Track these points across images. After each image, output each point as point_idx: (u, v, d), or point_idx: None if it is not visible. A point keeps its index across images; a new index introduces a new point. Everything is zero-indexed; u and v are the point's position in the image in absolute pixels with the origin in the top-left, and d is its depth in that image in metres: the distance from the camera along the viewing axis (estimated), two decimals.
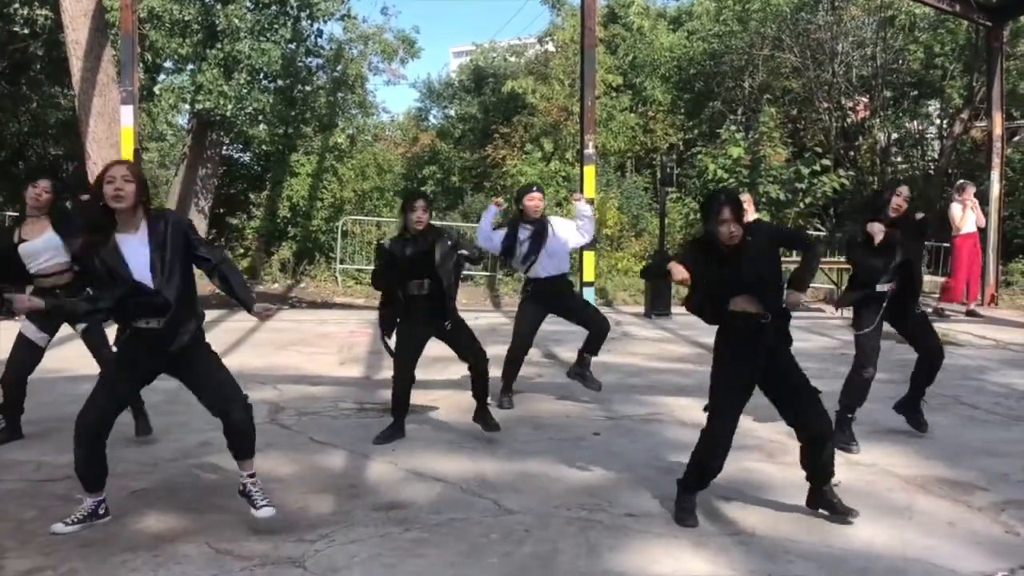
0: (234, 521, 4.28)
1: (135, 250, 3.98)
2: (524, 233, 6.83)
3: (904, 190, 5.80)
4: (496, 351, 7.61)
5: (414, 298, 5.73)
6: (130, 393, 4.51)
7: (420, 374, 6.19)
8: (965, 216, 12.73)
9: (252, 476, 4.26)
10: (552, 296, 6.90)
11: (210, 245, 4.39)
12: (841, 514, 4.39)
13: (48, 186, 5.62)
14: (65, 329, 5.83)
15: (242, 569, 3.74)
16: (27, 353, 5.63)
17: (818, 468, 4.43)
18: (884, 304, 5.85)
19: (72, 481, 4.82)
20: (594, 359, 7.00)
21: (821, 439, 4.37)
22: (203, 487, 4.82)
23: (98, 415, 4.08)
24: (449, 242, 5.75)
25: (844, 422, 5.83)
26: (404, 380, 5.80)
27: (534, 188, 7.03)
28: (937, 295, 13.45)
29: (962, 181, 13.72)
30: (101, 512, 4.23)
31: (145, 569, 3.71)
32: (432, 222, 5.94)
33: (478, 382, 5.93)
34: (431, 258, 5.66)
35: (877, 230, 5.66)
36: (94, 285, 4.05)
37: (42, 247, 5.50)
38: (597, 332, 6.90)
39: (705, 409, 4.43)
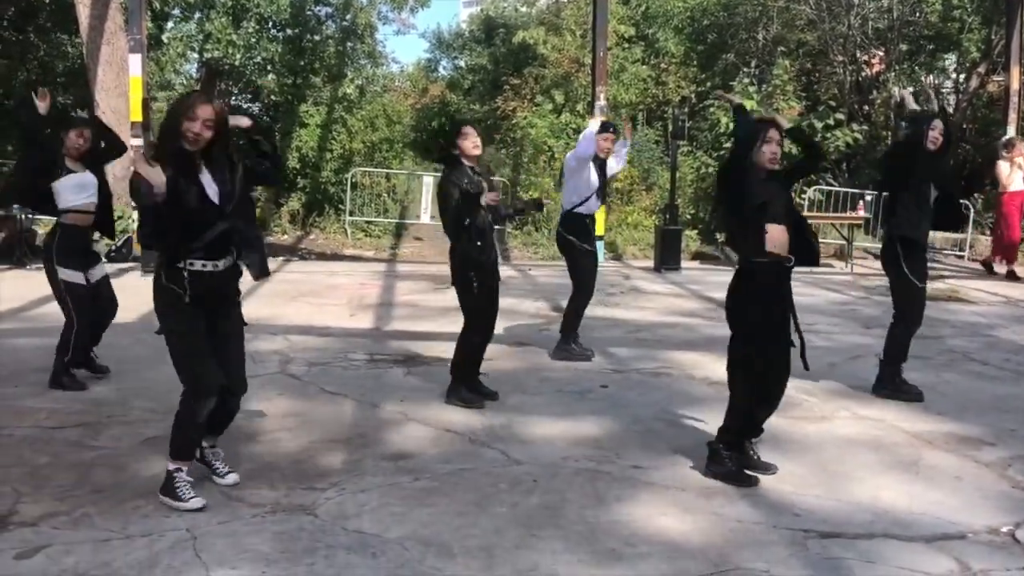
0: (245, 469, 4.31)
1: (208, 185, 3.84)
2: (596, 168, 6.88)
3: (939, 123, 5.73)
4: (504, 304, 7.63)
5: (484, 231, 5.51)
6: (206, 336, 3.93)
7: (430, 325, 6.21)
8: (1013, 173, 12.44)
9: (215, 448, 4.18)
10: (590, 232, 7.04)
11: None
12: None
13: (90, 133, 5.82)
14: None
15: (253, 516, 3.78)
16: (87, 298, 5.77)
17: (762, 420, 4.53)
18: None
19: (84, 428, 4.89)
20: (603, 313, 7.02)
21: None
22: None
23: (206, 377, 3.83)
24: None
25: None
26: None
27: (611, 128, 7.11)
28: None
29: (1010, 136, 13.38)
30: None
31: (157, 515, 3.76)
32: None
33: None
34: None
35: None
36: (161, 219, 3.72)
37: (88, 182, 5.72)
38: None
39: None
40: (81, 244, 5.79)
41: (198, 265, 3.80)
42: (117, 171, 11.35)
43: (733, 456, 4.34)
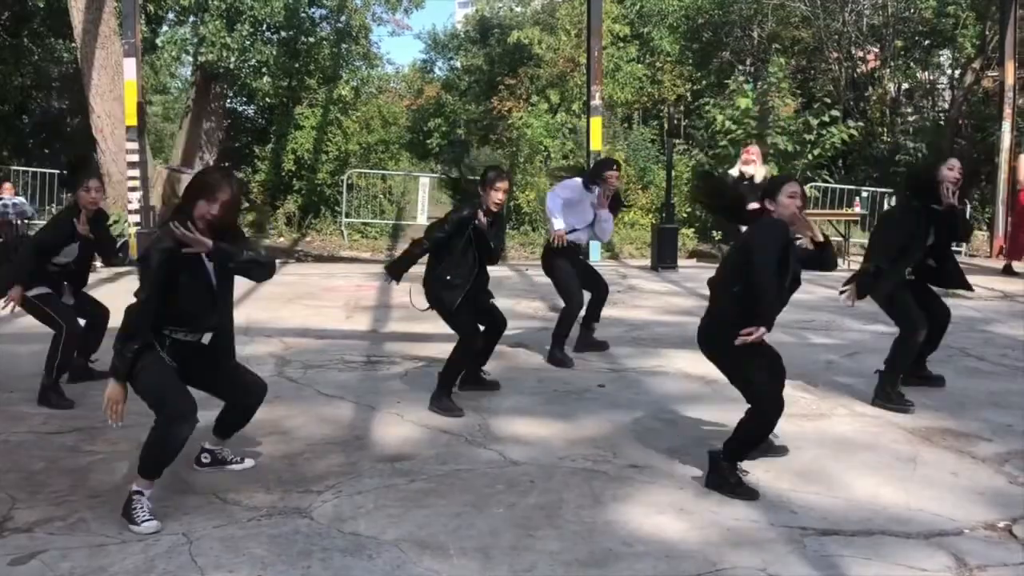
0: (241, 473, 4.31)
1: (205, 265, 3.91)
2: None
3: (956, 163, 5.61)
4: (500, 304, 7.61)
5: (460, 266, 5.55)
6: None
7: (427, 327, 6.21)
8: None
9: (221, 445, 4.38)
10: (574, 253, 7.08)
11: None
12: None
13: (100, 184, 5.79)
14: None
15: (249, 520, 3.77)
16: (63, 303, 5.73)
17: None
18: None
19: (80, 433, 4.88)
20: (602, 312, 7.06)
21: None
22: (210, 439, 4.83)
23: (180, 403, 3.82)
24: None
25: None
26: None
27: (615, 166, 7.10)
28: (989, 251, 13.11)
29: None
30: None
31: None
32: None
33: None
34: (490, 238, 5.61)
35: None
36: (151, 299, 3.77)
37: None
38: (598, 297, 7.09)
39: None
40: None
41: (180, 335, 3.91)
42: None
43: (738, 470, 4.26)
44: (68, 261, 5.71)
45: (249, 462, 4.40)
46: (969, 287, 5.97)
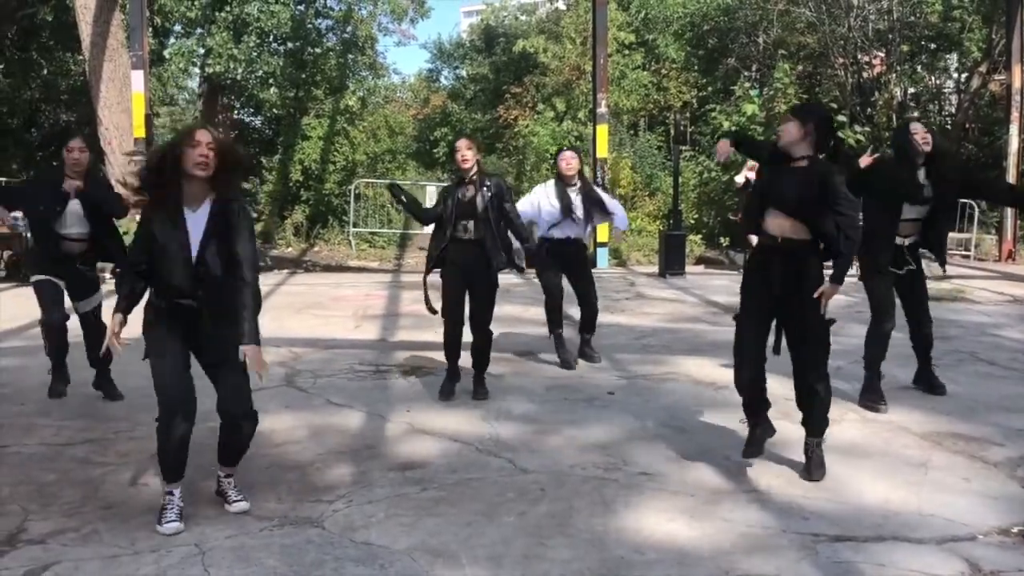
0: (252, 483, 4.32)
1: (195, 224, 3.78)
2: (575, 197, 6.91)
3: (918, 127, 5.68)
4: (509, 311, 7.64)
5: (459, 241, 5.82)
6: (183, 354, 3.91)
7: (436, 335, 6.21)
8: None
9: (230, 477, 4.07)
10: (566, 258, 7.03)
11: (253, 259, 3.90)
12: (806, 471, 4.42)
13: (82, 144, 5.60)
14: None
15: (261, 529, 3.78)
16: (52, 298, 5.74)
17: (806, 419, 4.47)
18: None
19: (92, 445, 4.89)
20: (609, 319, 7.04)
21: (809, 392, 4.40)
22: None
23: (167, 391, 3.82)
24: (491, 193, 5.78)
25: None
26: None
27: (566, 149, 7.26)
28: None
29: None
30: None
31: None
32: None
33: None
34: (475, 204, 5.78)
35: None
36: (136, 252, 3.88)
37: (68, 212, 5.59)
38: (590, 313, 7.11)
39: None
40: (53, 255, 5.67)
41: (177, 299, 3.83)
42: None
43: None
44: (81, 234, 5.66)
45: (240, 506, 3.97)
46: (943, 263, 5.98)
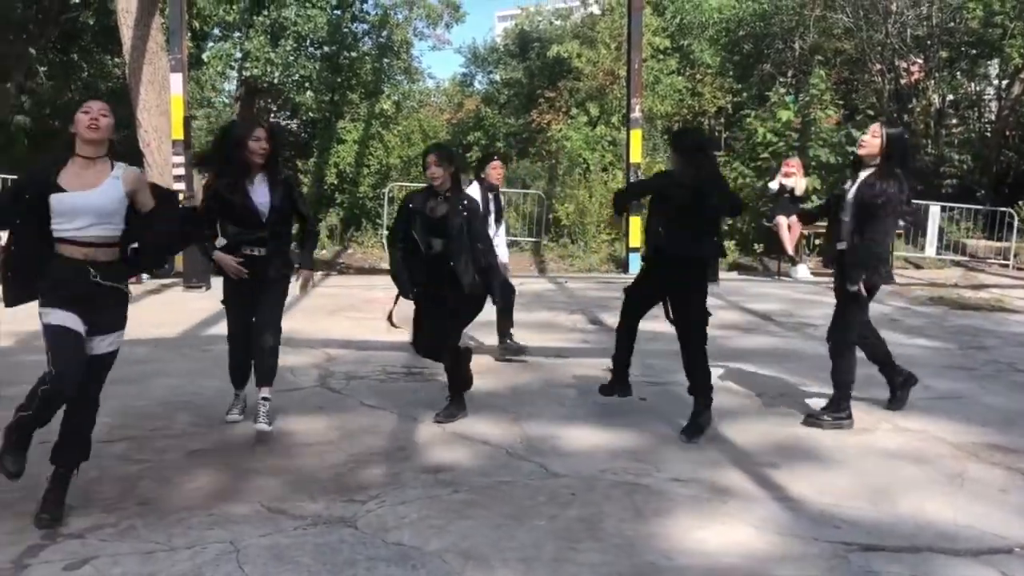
0: (286, 482, 4.37)
1: (258, 193, 5.08)
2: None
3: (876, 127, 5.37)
4: (541, 317, 7.65)
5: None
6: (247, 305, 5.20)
7: (466, 338, 6.24)
8: None
9: (267, 400, 5.05)
10: None
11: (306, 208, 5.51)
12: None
13: (106, 108, 3.94)
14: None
15: (295, 528, 3.83)
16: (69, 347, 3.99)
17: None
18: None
19: (130, 443, 4.97)
20: (641, 326, 7.04)
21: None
22: (257, 449, 4.92)
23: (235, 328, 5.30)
24: (464, 215, 5.39)
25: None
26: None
27: (495, 156, 7.67)
28: None
29: None
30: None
31: (201, 528, 3.81)
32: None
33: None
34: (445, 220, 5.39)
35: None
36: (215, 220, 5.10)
37: (91, 203, 3.85)
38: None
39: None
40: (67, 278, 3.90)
41: (247, 250, 5.09)
42: None
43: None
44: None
45: (267, 427, 5.01)
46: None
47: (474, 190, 7.20)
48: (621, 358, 5.65)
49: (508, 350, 7.26)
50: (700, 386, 5.34)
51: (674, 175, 5.39)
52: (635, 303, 5.60)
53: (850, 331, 5.39)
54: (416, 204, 5.50)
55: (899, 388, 5.77)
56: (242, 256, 5.05)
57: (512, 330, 7.31)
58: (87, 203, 3.83)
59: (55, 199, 3.81)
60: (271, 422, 5.03)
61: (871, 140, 5.25)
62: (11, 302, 3.97)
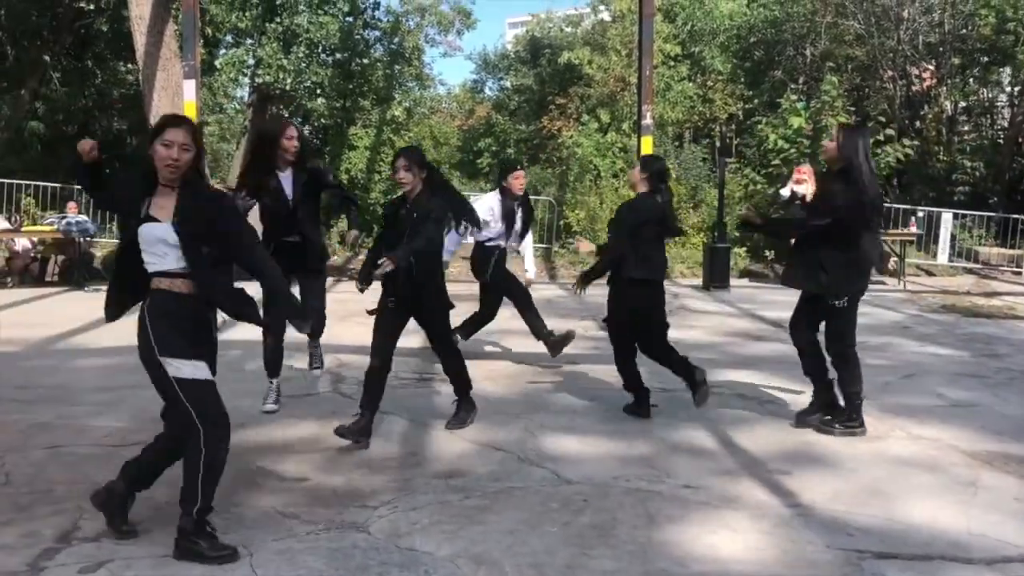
0: (299, 487, 4.38)
1: (285, 183, 5.63)
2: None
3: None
4: (551, 323, 7.65)
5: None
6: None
7: (478, 345, 6.25)
8: None
9: (317, 347, 6.24)
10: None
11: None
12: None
13: (190, 136, 3.53)
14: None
15: (308, 533, 3.83)
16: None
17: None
18: None
19: (139, 448, 4.98)
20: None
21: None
22: (270, 454, 4.93)
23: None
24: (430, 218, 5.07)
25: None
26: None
27: (519, 166, 7.48)
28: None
29: None
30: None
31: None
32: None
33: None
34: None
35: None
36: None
37: (159, 235, 3.56)
38: (483, 319, 7.33)
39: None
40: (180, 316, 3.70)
41: (285, 237, 5.60)
42: None
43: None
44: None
45: (318, 371, 6.34)
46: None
47: (493, 199, 7.16)
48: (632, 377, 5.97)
49: (558, 344, 7.22)
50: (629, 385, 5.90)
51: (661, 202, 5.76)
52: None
53: (845, 339, 5.38)
54: (389, 211, 5.31)
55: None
56: (279, 243, 5.50)
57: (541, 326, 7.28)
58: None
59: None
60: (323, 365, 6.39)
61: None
62: None
